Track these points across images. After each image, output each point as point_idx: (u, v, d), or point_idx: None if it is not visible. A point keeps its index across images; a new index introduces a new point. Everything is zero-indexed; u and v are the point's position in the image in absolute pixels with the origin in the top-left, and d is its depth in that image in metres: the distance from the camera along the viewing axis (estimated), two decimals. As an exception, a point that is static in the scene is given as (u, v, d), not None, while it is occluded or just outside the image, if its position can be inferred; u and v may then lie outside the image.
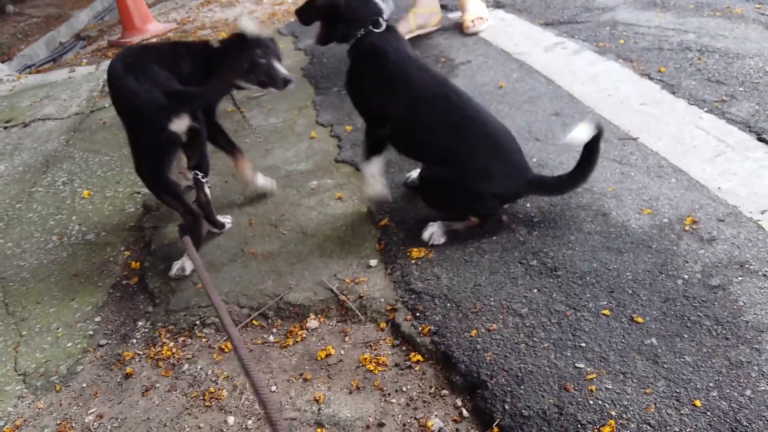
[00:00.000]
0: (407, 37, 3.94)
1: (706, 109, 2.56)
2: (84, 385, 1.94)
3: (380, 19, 2.13)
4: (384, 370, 1.75)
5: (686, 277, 1.77)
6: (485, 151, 2.01)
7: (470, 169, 2.01)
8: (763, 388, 1.44)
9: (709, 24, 3.39)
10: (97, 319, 2.21)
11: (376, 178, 2.27)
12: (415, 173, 2.41)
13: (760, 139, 2.31)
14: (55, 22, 8.71)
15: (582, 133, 1.93)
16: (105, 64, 5.03)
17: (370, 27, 2.12)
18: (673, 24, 3.45)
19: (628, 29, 3.48)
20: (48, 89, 4.69)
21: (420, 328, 1.82)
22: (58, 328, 2.19)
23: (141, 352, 2.01)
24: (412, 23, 3.95)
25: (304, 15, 2.29)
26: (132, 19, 5.66)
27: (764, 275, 1.73)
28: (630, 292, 1.76)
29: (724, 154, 2.26)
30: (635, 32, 3.42)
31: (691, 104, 2.62)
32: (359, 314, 1.96)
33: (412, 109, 2.08)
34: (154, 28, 5.75)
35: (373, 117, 2.23)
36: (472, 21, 3.84)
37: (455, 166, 2.03)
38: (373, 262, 2.15)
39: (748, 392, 1.44)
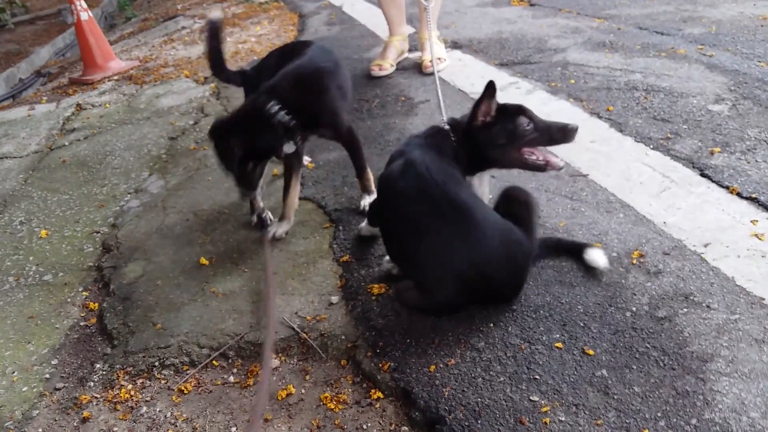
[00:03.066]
0: (399, 59, 4.18)
1: (652, 147, 2.68)
2: (40, 430, 1.90)
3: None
4: (345, 408, 1.77)
5: (634, 309, 1.84)
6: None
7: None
8: (708, 417, 1.50)
9: (654, 64, 3.56)
10: (54, 361, 2.17)
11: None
12: (364, 223, 2.44)
13: (703, 175, 2.43)
14: (15, 59, 8.63)
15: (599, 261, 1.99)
16: (65, 102, 5.01)
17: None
18: (621, 64, 3.62)
19: (578, 69, 3.64)
20: (6, 127, 4.64)
21: (380, 365, 1.85)
22: (13, 372, 2.14)
23: (99, 395, 1.98)
24: (398, 48, 4.20)
25: None
26: (93, 56, 5.66)
27: (708, 306, 1.81)
28: (581, 324, 1.82)
29: (669, 190, 2.37)
30: (585, 72, 3.58)
31: (638, 142, 2.74)
32: (320, 352, 1.98)
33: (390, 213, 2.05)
34: (116, 65, 5.76)
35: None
36: (431, 61, 3.95)
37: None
38: (335, 299, 2.17)
39: (693, 421, 1.49)
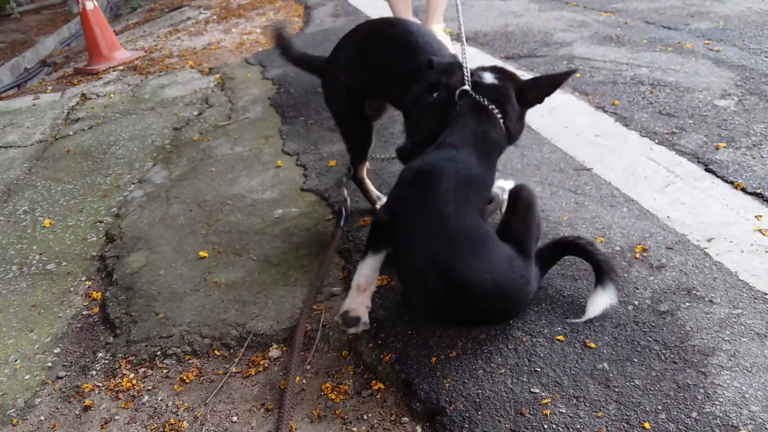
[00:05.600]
0: None
1: (657, 141, 2.67)
2: (42, 418, 1.91)
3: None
4: (345, 399, 1.77)
5: (636, 303, 1.84)
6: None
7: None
8: (708, 410, 1.49)
9: (661, 59, 3.54)
10: (56, 350, 2.18)
11: (360, 294, 1.91)
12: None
13: (708, 170, 2.42)
14: (21, 48, 8.63)
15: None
16: (70, 92, 5.02)
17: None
18: (627, 58, 3.60)
19: (584, 63, 3.62)
20: (11, 116, 4.65)
21: (381, 356, 1.85)
22: (16, 360, 2.15)
23: (101, 384, 1.99)
24: None
25: None
26: (99, 46, 5.66)
27: (710, 301, 1.81)
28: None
29: (674, 185, 2.36)
30: (591, 66, 3.56)
31: (643, 136, 2.73)
32: (321, 343, 1.98)
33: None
34: (121, 55, 5.76)
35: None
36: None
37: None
38: (337, 291, 2.17)
39: (694, 414, 1.49)
